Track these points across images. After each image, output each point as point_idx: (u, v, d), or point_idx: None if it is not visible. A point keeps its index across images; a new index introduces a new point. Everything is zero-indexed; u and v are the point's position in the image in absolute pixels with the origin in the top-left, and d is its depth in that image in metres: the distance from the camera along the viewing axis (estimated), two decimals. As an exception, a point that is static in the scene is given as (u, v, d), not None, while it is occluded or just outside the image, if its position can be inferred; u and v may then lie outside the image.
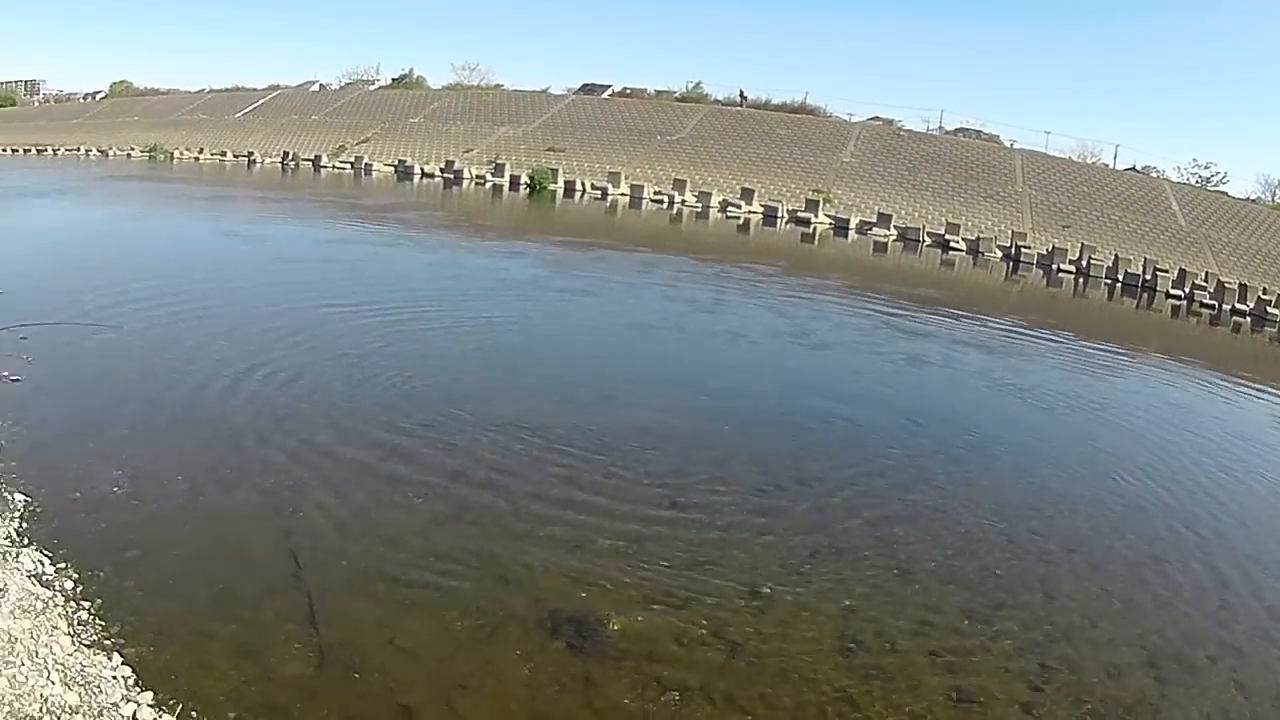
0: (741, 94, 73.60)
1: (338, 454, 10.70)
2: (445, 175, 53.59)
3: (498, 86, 77.85)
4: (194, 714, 6.12)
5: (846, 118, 72.11)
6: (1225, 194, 66.90)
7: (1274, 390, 24.64)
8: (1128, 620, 9.44)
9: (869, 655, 7.86)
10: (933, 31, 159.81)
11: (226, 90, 79.78)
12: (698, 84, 77.03)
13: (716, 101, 73.16)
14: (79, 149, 60.23)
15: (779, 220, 48.68)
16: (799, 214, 49.54)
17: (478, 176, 53.50)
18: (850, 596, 8.85)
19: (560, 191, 51.50)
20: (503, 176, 53.22)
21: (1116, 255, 44.90)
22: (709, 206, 50.21)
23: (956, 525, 11.11)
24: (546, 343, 18.27)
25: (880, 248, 45.54)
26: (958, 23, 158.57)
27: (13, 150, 60.11)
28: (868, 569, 9.50)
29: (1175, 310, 39.82)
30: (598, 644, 7.41)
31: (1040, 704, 7.57)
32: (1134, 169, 71.45)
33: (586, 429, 12.58)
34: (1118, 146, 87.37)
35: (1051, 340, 26.35)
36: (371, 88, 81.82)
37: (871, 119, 72.45)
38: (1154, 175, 68.70)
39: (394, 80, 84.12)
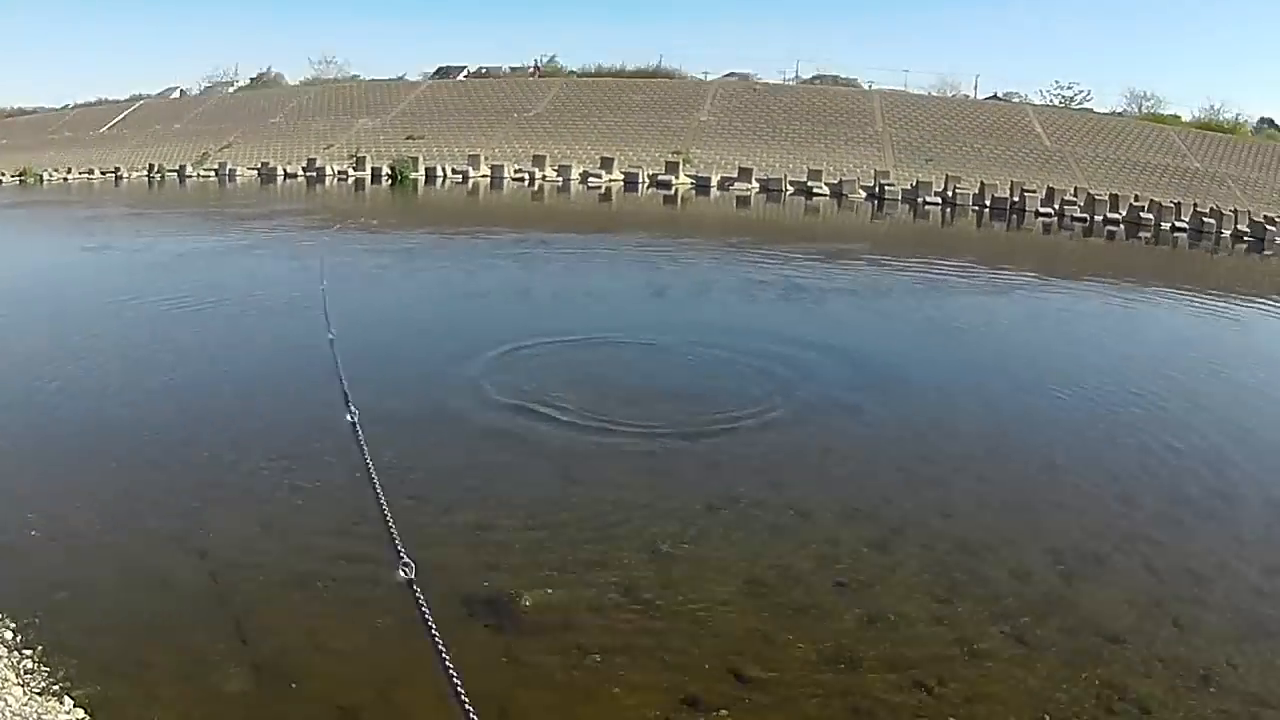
0: (535, 65, 75.28)
1: (239, 466, 10.33)
2: (308, 174, 52.45)
3: (354, 78, 77.48)
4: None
5: (702, 77, 72.95)
6: (1090, 111, 68.73)
7: (1146, 290, 25.43)
8: (1028, 526, 9.50)
9: (777, 594, 7.77)
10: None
11: (91, 105, 76.99)
12: (552, 57, 77.41)
13: (572, 73, 73.44)
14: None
15: (640, 186, 48.78)
16: (659, 178, 49.81)
17: (340, 172, 52.65)
18: (752, 542, 8.76)
19: (422, 179, 51.22)
20: (364, 170, 52.74)
21: (982, 182, 45.87)
22: (570, 179, 50.16)
23: (847, 460, 11.04)
24: (416, 324, 17.99)
25: (743, 201, 46.06)
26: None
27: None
28: (766, 513, 9.39)
29: (1046, 227, 40.94)
30: (515, 621, 7.33)
31: (951, 615, 7.52)
32: (995, 97, 73.10)
33: (464, 409, 12.34)
34: (978, 77, 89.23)
35: (906, 267, 27.15)
36: (231, 90, 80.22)
37: (727, 75, 73.27)
38: (1016, 101, 70.31)
39: (252, 80, 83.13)
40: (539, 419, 11.65)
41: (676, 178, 49.57)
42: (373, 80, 74.82)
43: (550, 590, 7.74)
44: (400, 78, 75.74)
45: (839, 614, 7.65)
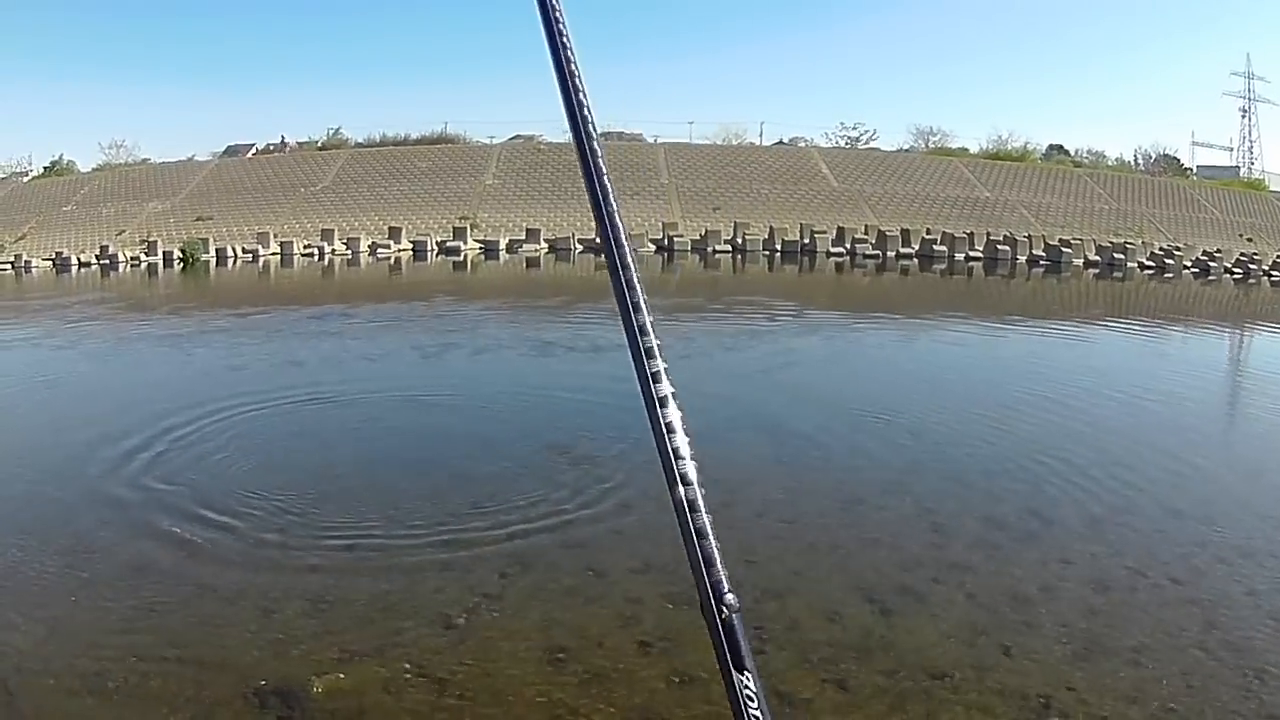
0: (282, 139, 74.91)
1: (20, 570, 9.33)
2: (101, 262, 51.18)
3: (144, 161, 76.08)
4: None
5: (488, 141, 73.11)
6: (877, 149, 70.81)
7: (934, 319, 25.87)
8: (837, 565, 9.08)
9: (578, 660, 7.24)
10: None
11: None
12: (338, 130, 77.04)
13: (358, 145, 73.29)
14: None
15: (429, 254, 48.57)
16: (448, 244, 49.69)
17: (133, 258, 51.46)
18: (546, 605, 8.20)
19: (213, 261, 50.36)
20: (156, 255, 51.48)
21: (771, 227, 46.71)
22: (359, 252, 49.73)
23: (643, 509, 10.42)
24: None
25: (533, 263, 46.19)
26: (591, 31, 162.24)
27: None
28: (560, 575, 8.81)
29: (839, 267, 41.77)
30: (306, 710, 6.82)
31: (764, 665, 7.00)
32: (781, 142, 74.67)
33: (246, 493, 11.38)
34: (762, 124, 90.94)
35: (702, 316, 26.92)
36: (25, 179, 77.14)
37: (513, 138, 73.50)
38: (802, 145, 71.99)
39: (45, 169, 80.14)
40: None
41: (465, 243, 49.49)
42: (162, 162, 73.80)
43: (342, 674, 7.17)
44: (190, 158, 74.55)
45: (645, 677, 7.11)
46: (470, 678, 7.19)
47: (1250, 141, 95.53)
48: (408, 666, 7.29)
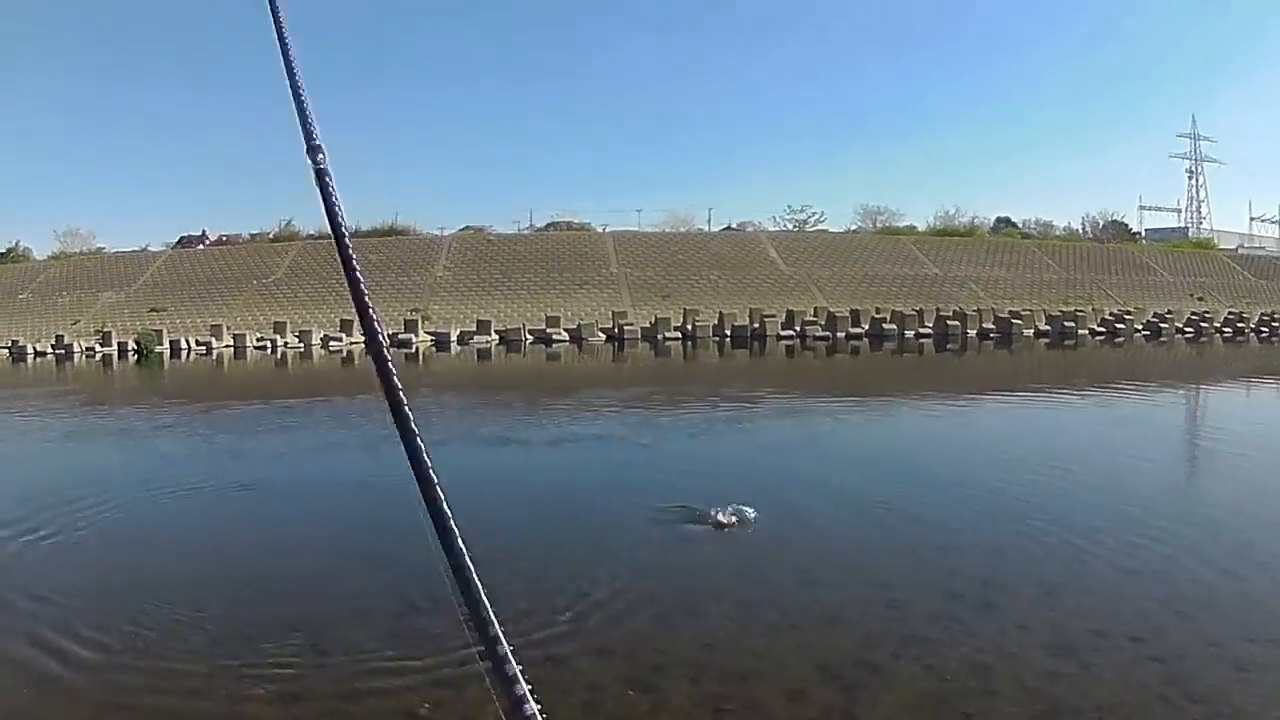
0: (203, 234, 74.89)
1: None
2: (56, 351, 52.01)
3: (99, 250, 77.46)
4: None
5: (438, 232, 73.76)
6: (825, 231, 71.53)
7: (883, 400, 25.99)
8: (795, 645, 8.95)
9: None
10: (518, 134, 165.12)
11: None
12: (289, 221, 77.26)
13: (310, 237, 73.24)
14: None
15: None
16: (399, 336, 49.75)
17: (87, 349, 52.44)
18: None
19: (167, 353, 50.61)
20: (110, 345, 52.16)
21: (721, 313, 47.04)
22: (311, 345, 50.24)
23: (594, 597, 10.24)
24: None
25: (484, 355, 46.23)
26: (539, 127, 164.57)
27: None
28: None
29: (789, 350, 41.95)
30: None
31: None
32: (730, 227, 75.32)
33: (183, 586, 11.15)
34: (711, 210, 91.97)
35: (649, 405, 27.15)
36: None
37: (463, 229, 74.01)
38: (751, 230, 72.57)
39: (1, 256, 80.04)
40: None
41: (416, 335, 49.92)
42: (117, 253, 74.95)
43: None
44: (144, 248, 74.97)
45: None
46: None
47: (1198, 201, 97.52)
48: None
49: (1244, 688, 7.69)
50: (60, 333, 54.48)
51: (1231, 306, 49.46)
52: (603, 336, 47.58)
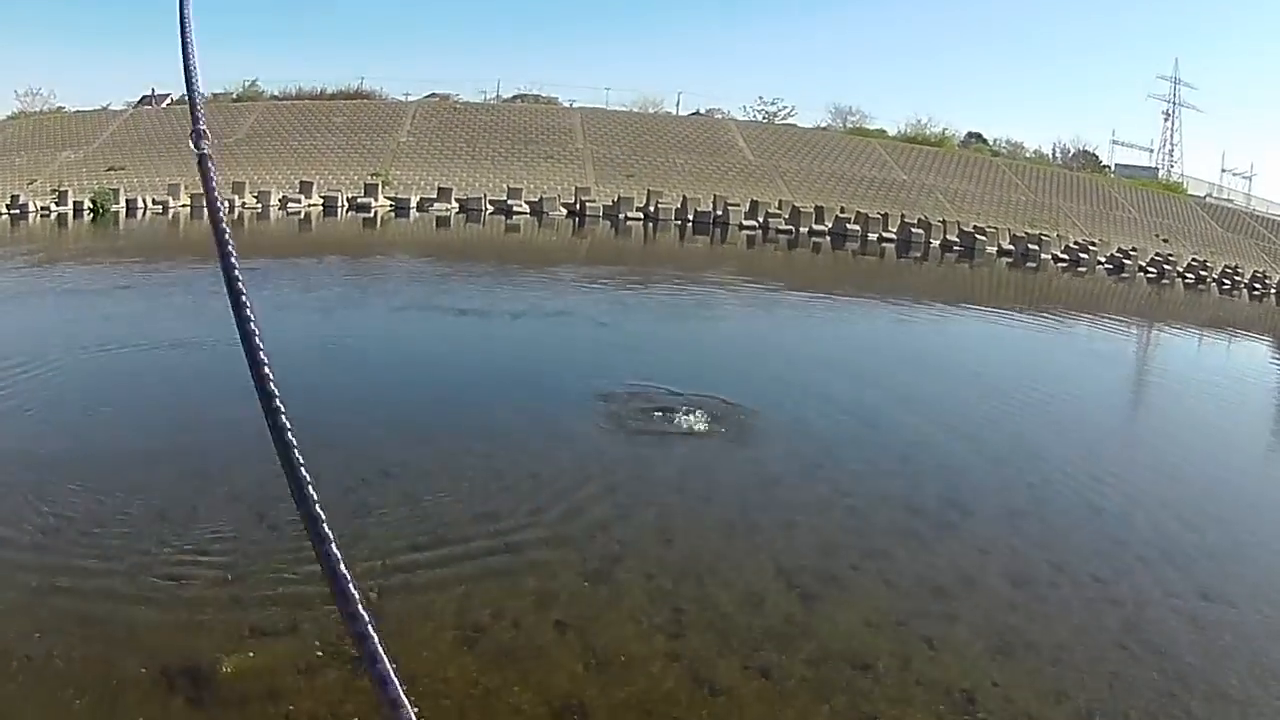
0: (153, 91, 74.80)
1: None
2: (11, 211, 50.12)
3: (59, 109, 74.07)
4: None
5: (403, 98, 72.45)
6: (795, 126, 70.99)
7: (846, 299, 25.99)
8: (755, 549, 8.89)
9: (493, 639, 7.04)
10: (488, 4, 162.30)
11: None
12: (254, 81, 75.33)
13: (274, 97, 72.20)
14: None
15: (339, 210, 48.16)
16: (358, 200, 49.10)
17: (43, 208, 50.43)
18: (462, 582, 8.00)
19: (123, 211, 49.42)
20: (66, 204, 50.18)
21: (685, 196, 46.60)
22: (269, 206, 49.06)
23: (554, 485, 10.13)
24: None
25: (443, 222, 45.96)
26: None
27: None
28: (475, 551, 8.58)
29: (750, 240, 41.79)
30: (216, 691, 6.55)
31: (684, 651, 6.89)
32: (698, 113, 74.64)
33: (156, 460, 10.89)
34: (680, 94, 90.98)
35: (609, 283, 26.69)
36: None
37: (428, 96, 72.93)
38: (719, 116, 71.96)
39: None
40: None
41: (376, 200, 48.88)
42: (77, 111, 71.62)
43: (251, 653, 6.89)
44: (105, 107, 72.69)
45: (562, 659, 6.93)
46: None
47: (1171, 145, 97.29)
48: (317, 644, 7.01)
49: (1199, 647, 7.71)
50: (16, 192, 52.36)
51: (1195, 253, 49.46)
52: (564, 211, 46.97)
